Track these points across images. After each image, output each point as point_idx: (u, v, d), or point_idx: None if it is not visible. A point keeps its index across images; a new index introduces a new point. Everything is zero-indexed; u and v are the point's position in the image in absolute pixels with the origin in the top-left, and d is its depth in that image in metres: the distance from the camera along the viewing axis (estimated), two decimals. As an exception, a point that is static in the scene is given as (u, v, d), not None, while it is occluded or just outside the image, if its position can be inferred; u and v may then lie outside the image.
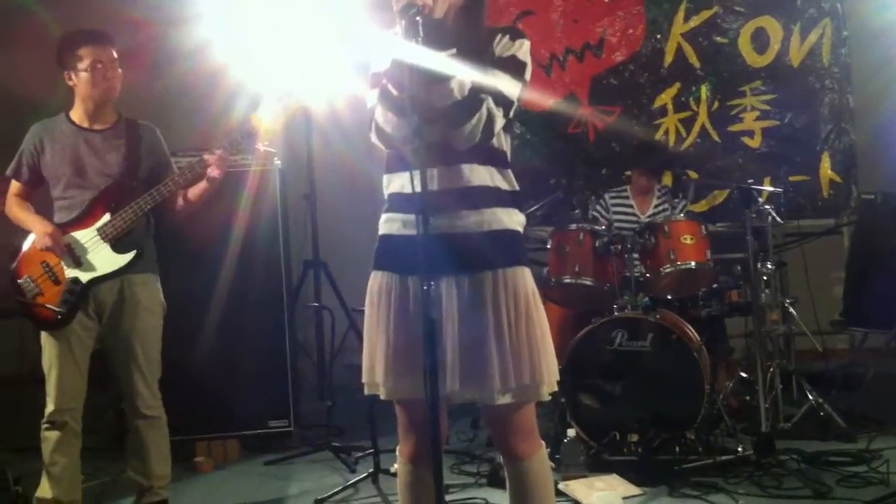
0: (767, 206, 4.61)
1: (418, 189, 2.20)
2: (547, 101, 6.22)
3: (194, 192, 3.66)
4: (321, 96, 4.57)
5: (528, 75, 2.50)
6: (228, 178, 3.95)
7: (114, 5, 5.41)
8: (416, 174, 2.21)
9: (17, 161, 3.66)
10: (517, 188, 2.54)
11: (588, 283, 4.47)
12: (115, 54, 3.61)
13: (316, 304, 5.20)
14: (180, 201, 3.68)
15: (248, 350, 4.66)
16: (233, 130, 3.71)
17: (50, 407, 3.52)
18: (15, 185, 3.68)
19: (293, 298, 4.93)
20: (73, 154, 3.58)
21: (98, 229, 3.53)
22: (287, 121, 3.66)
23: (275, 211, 4.75)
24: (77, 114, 3.64)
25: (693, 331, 4.45)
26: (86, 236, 3.54)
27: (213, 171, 3.59)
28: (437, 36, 2.29)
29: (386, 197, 2.56)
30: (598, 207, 5.30)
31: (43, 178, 3.63)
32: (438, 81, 2.30)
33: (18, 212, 3.64)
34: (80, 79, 3.57)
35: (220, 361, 4.57)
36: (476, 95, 2.34)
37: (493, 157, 2.47)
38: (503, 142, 2.50)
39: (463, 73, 2.34)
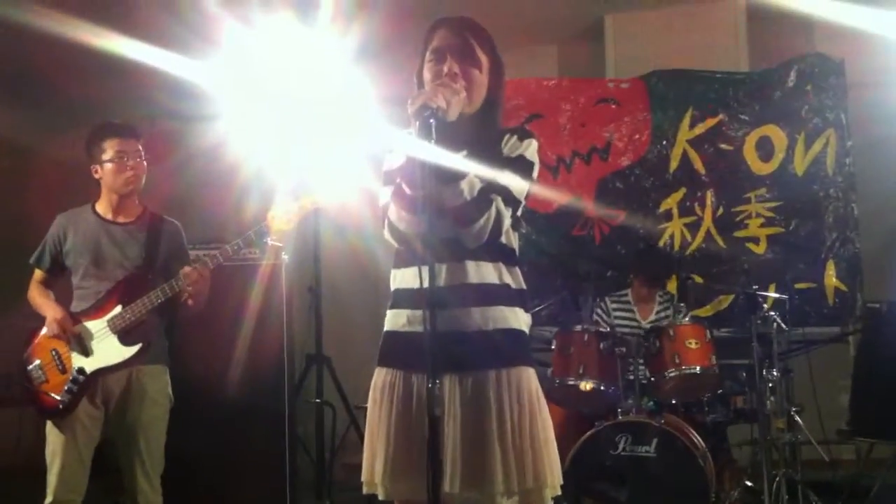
0: (772, 313, 4.61)
1: (426, 284, 2.22)
2: (553, 202, 6.29)
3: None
4: (332, 192, 4.63)
5: (535, 174, 2.54)
6: (238, 271, 3.98)
7: (135, 104, 5.54)
8: (425, 270, 2.23)
9: (40, 249, 3.72)
10: (524, 287, 2.55)
11: (592, 384, 4.44)
12: (140, 147, 3.70)
13: (317, 400, 5.17)
14: (188, 299, 3.68)
15: (247, 444, 4.61)
16: (247, 228, 3.73)
17: (49, 498, 3.48)
18: (38, 273, 3.74)
19: (294, 392, 4.90)
20: (94, 245, 3.63)
21: (108, 320, 3.56)
22: (301, 219, 3.69)
23: (278, 304, 4.77)
24: (102, 205, 3.70)
25: (698, 437, 4.40)
26: (96, 326, 3.56)
27: (189, 289, 3.55)
28: (449, 137, 2.33)
29: (392, 292, 2.58)
30: (599, 311, 5.31)
31: (65, 266, 3.67)
32: (450, 181, 2.34)
33: (37, 298, 3.70)
34: (104, 170, 3.65)
35: (219, 454, 4.52)
36: (486, 195, 2.38)
37: (501, 255, 2.49)
38: (511, 239, 2.53)
39: (473, 173, 2.39)
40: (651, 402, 4.45)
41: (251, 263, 4.64)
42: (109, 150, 3.64)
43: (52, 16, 4.19)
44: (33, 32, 4.25)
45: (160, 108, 5.77)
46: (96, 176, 3.68)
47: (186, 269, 3.54)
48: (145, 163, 3.71)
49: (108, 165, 3.64)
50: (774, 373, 4.64)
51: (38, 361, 3.58)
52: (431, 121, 2.27)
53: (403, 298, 2.51)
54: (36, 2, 4.14)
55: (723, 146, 6.25)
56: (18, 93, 5.85)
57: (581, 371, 4.45)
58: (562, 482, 2.49)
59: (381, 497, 2.46)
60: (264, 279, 4.64)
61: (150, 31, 4.42)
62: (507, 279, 2.50)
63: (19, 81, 5.76)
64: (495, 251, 2.47)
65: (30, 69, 5.58)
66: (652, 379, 4.46)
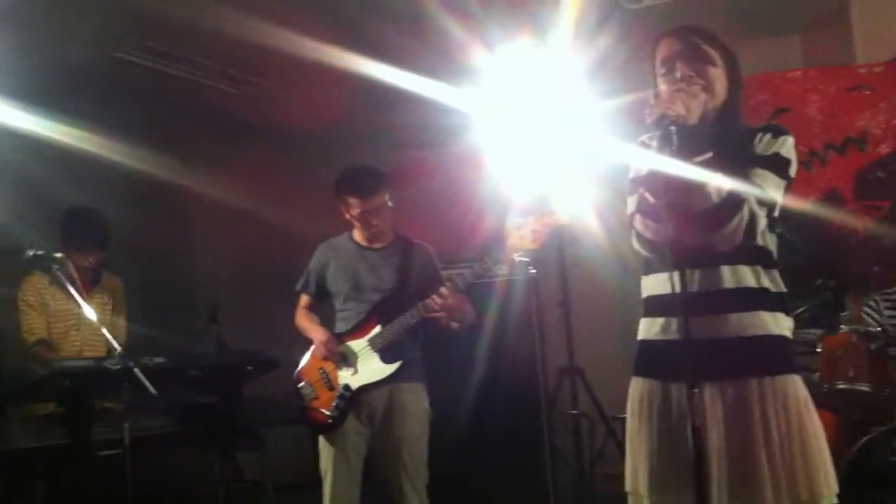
0: None
1: (679, 290, 2.18)
2: (808, 198, 5.98)
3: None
4: (575, 207, 4.63)
5: (793, 171, 2.44)
6: (488, 288, 4.07)
7: (378, 131, 5.81)
8: (677, 276, 2.19)
9: (305, 277, 4.00)
10: (784, 290, 2.45)
11: (865, 388, 4.17)
12: (384, 199, 3.83)
13: (574, 412, 5.18)
14: (448, 322, 3.76)
15: (506, 455, 4.70)
16: (492, 246, 3.80)
17: (325, 510, 3.71)
18: (304, 299, 4.01)
19: (550, 405, 4.94)
20: (353, 271, 3.86)
21: (369, 340, 3.75)
22: (545, 238, 3.66)
23: (529, 318, 4.82)
24: (358, 234, 3.93)
25: None
26: (358, 346, 3.77)
27: (440, 315, 3.67)
28: (692, 141, 2.29)
29: (644, 300, 2.55)
30: (868, 310, 4.96)
31: (328, 291, 3.92)
32: (695, 186, 2.30)
33: (303, 321, 3.96)
34: (352, 218, 3.86)
35: (480, 467, 4.62)
36: (736, 196, 2.31)
37: (757, 257, 2.41)
38: (768, 241, 2.44)
39: (721, 176, 2.32)
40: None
41: (500, 279, 4.73)
42: (354, 208, 3.83)
43: (303, 42, 4.44)
44: (285, 57, 4.51)
45: (405, 134, 6.01)
46: (346, 216, 3.90)
47: (434, 297, 3.64)
48: (391, 210, 3.84)
49: (354, 220, 3.86)
50: None
51: (307, 380, 3.83)
52: (671, 128, 2.24)
53: (656, 306, 2.48)
54: (287, 29, 4.38)
55: None
56: (267, 131, 6.26)
57: (851, 374, 4.18)
58: (837, 492, 2.36)
59: (647, 508, 2.44)
60: (514, 295, 4.72)
61: (396, 56, 4.62)
62: (766, 282, 2.41)
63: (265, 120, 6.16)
64: (751, 254, 2.39)
65: (280, 99, 5.95)
66: (931, 380, 4.12)
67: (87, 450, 3.61)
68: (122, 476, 3.37)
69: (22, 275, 4.27)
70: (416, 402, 3.79)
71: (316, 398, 3.79)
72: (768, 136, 2.44)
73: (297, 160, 6.49)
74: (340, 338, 3.81)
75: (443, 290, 3.64)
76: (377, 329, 3.75)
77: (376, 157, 4.62)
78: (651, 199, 2.35)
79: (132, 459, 3.39)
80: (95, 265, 4.38)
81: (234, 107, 6.16)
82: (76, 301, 3.61)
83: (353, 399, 3.74)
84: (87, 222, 4.38)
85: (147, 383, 3.42)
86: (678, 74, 2.42)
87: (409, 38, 4.66)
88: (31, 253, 3.73)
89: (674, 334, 2.36)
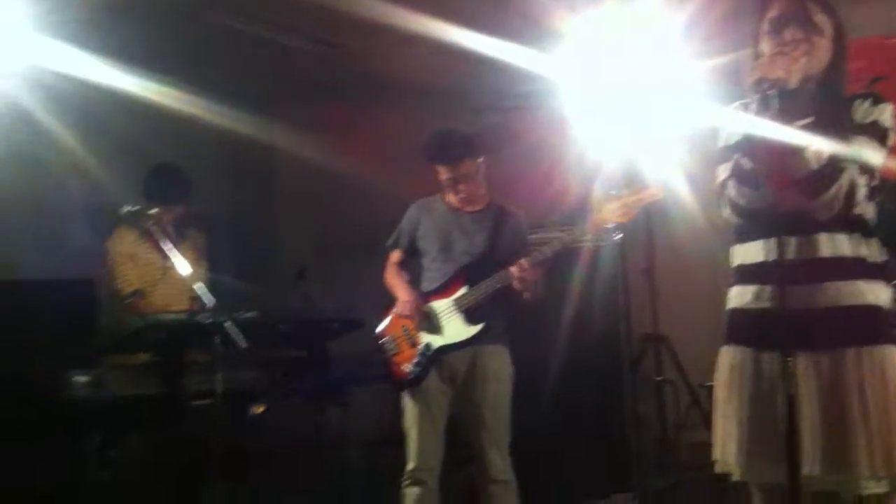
0: None
1: (774, 258, 2.15)
2: (905, 167, 5.77)
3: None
4: (666, 177, 4.54)
5: (891, 140, 2.38)
6: (573, 254, 4.07)
7: (462, 95, 5.79)
8: (773, 243, 2.16)
9: (396, 234, 4.03)
10: (883, 259, 2.39)
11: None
12: (471, 166, 3.81)
13: (658, 378, 5.14)
14: (522, 292, 3.76)
15: (588, 421, 4.70)
16: (576, 222, 3.77)
17: (410, 465, 3.75)
18: (394, 255, 4.04)
19: (633, 372, 4.91)
20: (444, 232, 3.88)
21: (455, 300, 3.78)
22: (637, 209, 3.62)
23: (614, 284, 4.79)
24: (450, 197, 3.92)
25: None
26: (443, 306, 3.80)
27: (515, 285, 3.68)
28: (791, 106, 2.24)
29: (734, 268, 2.52)
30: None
31: (417, 250, 3.96)
32: (794, 152, 2.25)
33: (392, 278, 3.99)
34: (441, 183, 3.87)
35: (561, 430, 4.63)
36: (835, 164, 2.27)
37: (856, 226, 2.36)
38: (867, 209, 2.38)
39: (820, 142, 2.27)
40: None
41: (585, 245, 4.69)
42: (442, 174, 3.84)
43: (388, 6, 4.44)
44: (370, 21, 4.53)
45: (490, 98, 5.98)
46: (439, 178, 3.90)
47: (511, 268, 3.66)
48: (481, 176, 3.83)
49: (444, 186, 3.86)
50: None
51: (390, 335, 3.88)
52: (770, 92, 2.19)
53: (748, 274, 2.45)
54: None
55: None
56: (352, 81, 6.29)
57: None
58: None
59: (736, 478, 2.42)
60: (600, 261, 4.69)
61: (479, 20, 4.59)
62: (864, 251, 2.36)
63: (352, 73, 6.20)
64: (849, 222, 2.34)
65: (365, 61, 5.99)
66: None
67: (180, 400, 3.73)
68: (211, 426, 3.48)
69: (111, 228, 4.40)
70: (500, 364, 3.81)
71: (398, 354, 3.84)
72: (867, 103, 2.39)
73: (382, 121, 6.53)
74: (426, 297, 3.84)
75: (522, 261, 3.65)
76: (463, 290, 3.77)
77: (460, 120, 4.63)
78: (748, 166, 2.31)
79: (221, 411, 3.49)
80: (179, 219, 4.49)
81: (321, 68, 6.22)
82: (164, 255, 3.71)
83: (434, 358, 3.78)
84: (169, 178, 4.51)
85: (237, 337, 3.52)
86: (785, 37, 2.36)
87: (492, 1, 4.62)
88: (126, 209, 3.86)
89: (767, 302, 2.34)
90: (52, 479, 3.78)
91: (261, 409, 3.85)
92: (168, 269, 3.88)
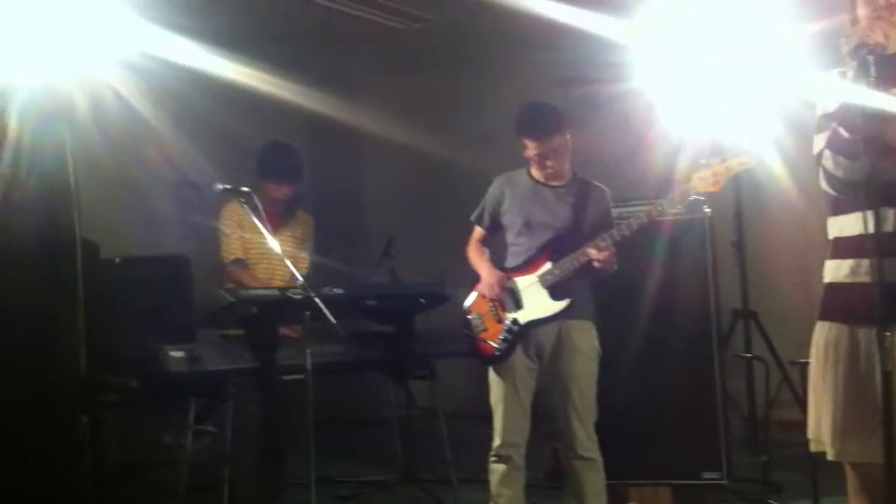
0: None
1: (872, 230, 2.09)
2: None
3: None
4: (756, 147, 4.43)
5: None
6: (661, 227, 4.01)
7: (550, 67, 5.75)
8: (871, 215, 2.09)
9: (480, 209, 4.01)
10: None
11: None
12: (560, 141, 3.78)
13: (748, 355, 5.04)
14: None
15: (676, 398, 4.61)
16: (667, 185, 3.72)
17: (497, 441, 3.77)
18: (477, 231, 4.02)
19: (722, 348, 4.82)
20: (527, 206, 3.85)
21: (539, 276, 3.77)
22: (726, 178, 3.56)
23: (702, 258, 4.69)
24: (535, 171, 3.89)
25: None
26: (527, 282, 3.79)
27: (596, 264, 3.66)
28: (890, 72, 2.17)
29: (831, 241, 2.45)
30: None
31: (501, 225, 3.95)
32: (893, 119, 2.18)
33: (474, 255, 3.98)
34: (528, 158, 3.84)
35: (648, 407, 4.56)
36: None
37: None
38: None
39: (922, 107, 2.19)
40: None
41: (673, 218, 4.61)
42: (530, 149, 3.80)
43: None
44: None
45: (573, 69, 5.92)
46: (524, 153, 3.87)
47: (588, 249, 3.65)
48: (568, 150, 3.79)
49: (530, 159, 3.83)
50: None
51: (477, 312, 3.89)
52: (869, 58, 2.12)
53: (845, 247, 2.39)
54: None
55: None
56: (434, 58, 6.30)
57: None
58: None
59: (830, 457, 2.37)
60: (688, 234, 4.60)
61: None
62: (965, 222, 2.26)
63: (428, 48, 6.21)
64: None
65: (449, 35, 5.99)
66: None
67: (272, 373, 3.82)
68: (303, 399, 3.56)
69: (221, 203, 4.49)
70: (586, 339, 3.79)
71: (484, 330, 3.85)
72: None
73: (466, 95, 6.53)
74: (510, 272, 3.84)
75: (600, 241, 3.64)
76: (547, 266, 3.76)
77: (546, 93, 4.59)
78: (846, 135, 2.25)
79: (313, 384, 3.56)
80: (289, 198, 4.54)
81: (406, 44, 6.24)
82: (262, 233, 3.80)
83: (520, 333, 3.77)
84: (283, 155, 4.55)
85: (327, 312, 3.58)
86: (882, 1, 2.28)
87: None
88: (220, 187, 3.95)
89: (864, 276, 2.27)
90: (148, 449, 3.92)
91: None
92: (267, 247, 3.96)
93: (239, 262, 4.41)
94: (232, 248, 4.43)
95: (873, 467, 2.15)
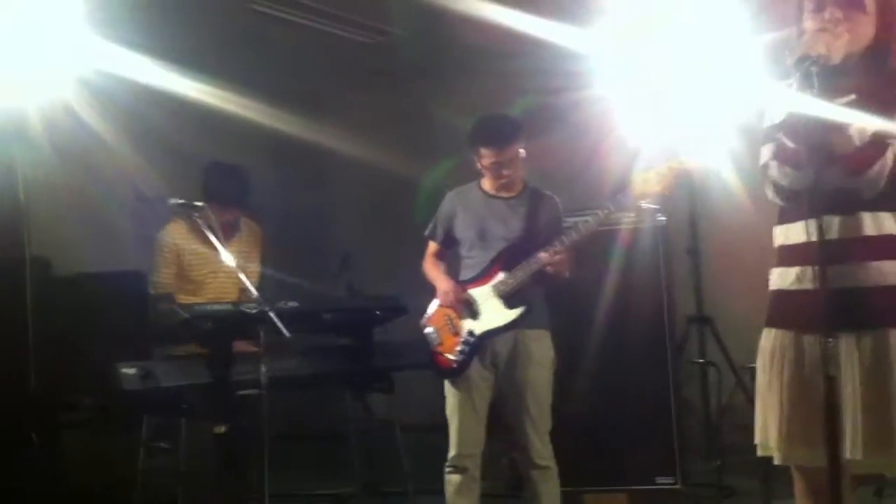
0: None
1: (816, 238, 2.13)
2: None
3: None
4: (705, 153, 4.50)
5: None
6: (614, 235, 4.04)
7: (510, 78, 5.77)
8: (814, 223, 2.13)
9: (433, 224, 4.04)
10: None
11: None
12: (517, 150, 3.81)
13: (701, 361, 5.10)
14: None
15: (630, 404, 4.66)
16: (612, 198, 3.76)
17: (452, 452, 3.79)
18: (432, 246, 4.05)
19: (677, 354, 4.87)
20: (480, 219, 3.88)
21: (493, 286, 3.79)
22: (673, 181, 3.62)
23: (656, 266, 4.74)
24: (487, 183, 3.94)
25: None
26: (482, 292, 3.81)
27: (549, 270, 3.71)
28: (833, 83, 2.22)
29: (777, 249, 2.49)
30: None
31: (455, 239, 3.97)
32: (837, 129, 2.23)
33: (430, 269, 4.01)
34: (482, 168, 3.88)
35: (603, 414, 4.61)
36: (880, 140, 2.24)
37: None
38: None
39: (863, 119, 2.24)
40: None
41: (627, 227, 4.66)
42: (485, 158, 3.82)
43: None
44: (417, 5, 4.52)
45: (535, 80, 5.95)
46: (477, 165, 3.90)
47: (542, 254, 3.69)
48: (522, 160, 3.82)
49: (485, 170, 3.86)
50: None
51: (433, 326, 3.90)
52: (812, 69, 2.17)
53: (790, 255, 2.43)
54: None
55: None
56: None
57: None
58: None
59: (776, 462, 2.41)
60: (641, 243, 4.65)
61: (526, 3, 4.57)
62: (908, 230, 2.31)
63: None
64: (894, 200, 2.30)
65: (412, 47, 5.98)
66: None
67: (227, 389, 3.78)
68: (259, 415, 3.53)
69: (163, 221, 4.45)
70: (541, 348, 3.82)
71: (441, 343, 3.86)
72: None
73: (426, 109, 6.53)
74: (465, 285, 3.86)
75: (552, 248, 3.68)
76: (501, 276, 3.78)
77: (506, 104, 4.61)
78: (790, 144, 2.29)
79: (269, 399, 3.54)
80: (233, 221, 4.50)
81: (368, 57, 6.23)
82: (215, 248, 3.76)
83: (477, 344, 3.79)
84: (226, 178, 4.49)
85: (282, 326, 3.56)
86: (826, 15, 2.33)
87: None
88: (173, 201, 3.91)
89: (809, 284, 2.31)
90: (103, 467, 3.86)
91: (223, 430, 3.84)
92: (218, 261, 3.92)
93: (167, 299, 4.35)
94: (162, 281, 4.40)
95: (819, 471, 2.18)
